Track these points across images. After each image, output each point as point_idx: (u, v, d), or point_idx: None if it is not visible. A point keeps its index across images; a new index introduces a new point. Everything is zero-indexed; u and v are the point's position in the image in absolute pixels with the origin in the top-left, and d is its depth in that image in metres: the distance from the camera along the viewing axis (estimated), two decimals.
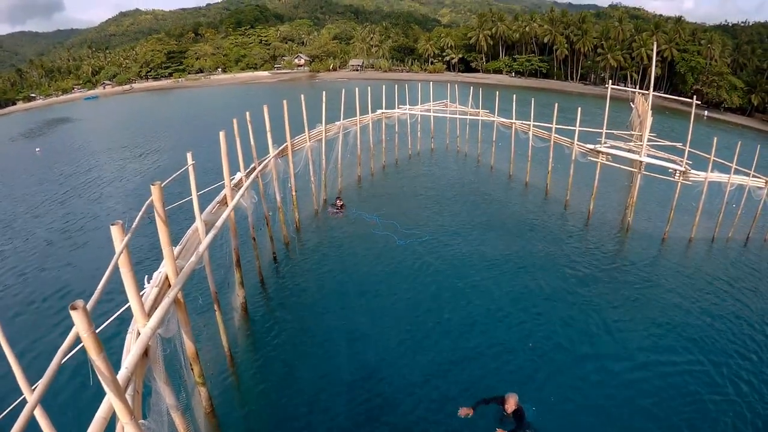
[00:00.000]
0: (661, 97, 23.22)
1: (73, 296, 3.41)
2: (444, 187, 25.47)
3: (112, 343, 9.98)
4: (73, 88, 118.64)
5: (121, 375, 4.64)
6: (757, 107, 64.16)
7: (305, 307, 14.02)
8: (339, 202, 21.19)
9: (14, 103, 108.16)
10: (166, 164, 33.41)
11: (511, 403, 8.89)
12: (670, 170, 19.07)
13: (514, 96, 26.09)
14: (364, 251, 17.50)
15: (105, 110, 76.44)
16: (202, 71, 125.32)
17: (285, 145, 17.63)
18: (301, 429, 9.44)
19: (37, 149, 45.82)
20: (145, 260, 16.21)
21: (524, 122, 25.64)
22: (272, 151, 16.08)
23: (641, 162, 19.33)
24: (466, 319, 13.29)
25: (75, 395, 10.04)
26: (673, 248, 18.97)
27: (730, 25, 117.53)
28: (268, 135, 15.67)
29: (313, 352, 11.89)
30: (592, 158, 20.98)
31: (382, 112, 27.78)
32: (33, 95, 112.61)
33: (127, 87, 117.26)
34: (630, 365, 11.58)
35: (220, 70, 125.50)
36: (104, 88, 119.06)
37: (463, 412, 9.10)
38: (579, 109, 21.42)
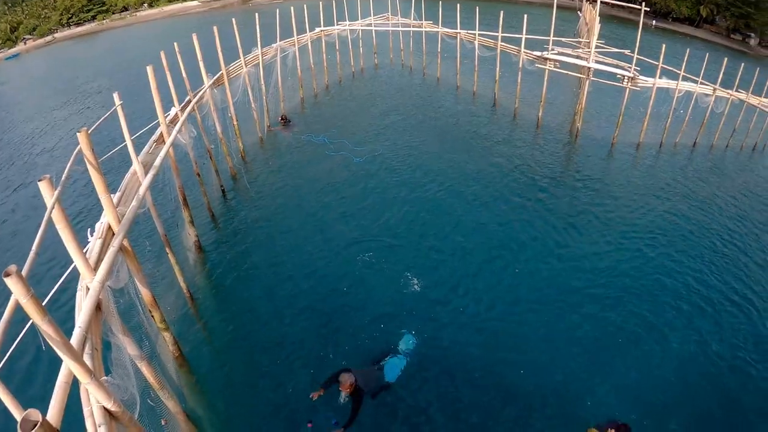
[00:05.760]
0: (609, 4, 22.82)
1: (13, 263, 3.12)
2: (391, 103, 24.77)
3: (65, 305, 9.47)
4: None
5: (76, 335, 4.35)
6: (705, 18, 64.88)
7: (260, 236, 13.76)
8: (281, 121, 20.71)
9: None
10: (97, 113, 30.47)
11: (345, 385, 7.91)
12: (618, 76, 19.23)
13: (458, 5, 25.03)
14: (314, 173, 17.15)
15: (27, 67, 68.63)
16: (126, 9, 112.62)
17: (220, 73, 16.41)
18: (271, 356, 9.57)
19: None
20: (89, 216, 15.17)
21: (469, 32, 24.88)
22: (207, 81, 14.94)
23: (589, 68, 19.35)
24: (420, 229, 13.72)
25: (36, 365, 9.40)
26: (622, 153, 19.63)
27: None
28: (201, 65, 14.51)
29: (272, 280, 11.85)
30: (539, 65, 20.81)
31: (321, 30, 26.15)
32: None
33: (48, 38, 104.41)
34: (577, 269, 12.23)
35: (146, 5, 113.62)
36: (25, 43, 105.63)
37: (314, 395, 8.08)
38: (525, 16, 20.86)
